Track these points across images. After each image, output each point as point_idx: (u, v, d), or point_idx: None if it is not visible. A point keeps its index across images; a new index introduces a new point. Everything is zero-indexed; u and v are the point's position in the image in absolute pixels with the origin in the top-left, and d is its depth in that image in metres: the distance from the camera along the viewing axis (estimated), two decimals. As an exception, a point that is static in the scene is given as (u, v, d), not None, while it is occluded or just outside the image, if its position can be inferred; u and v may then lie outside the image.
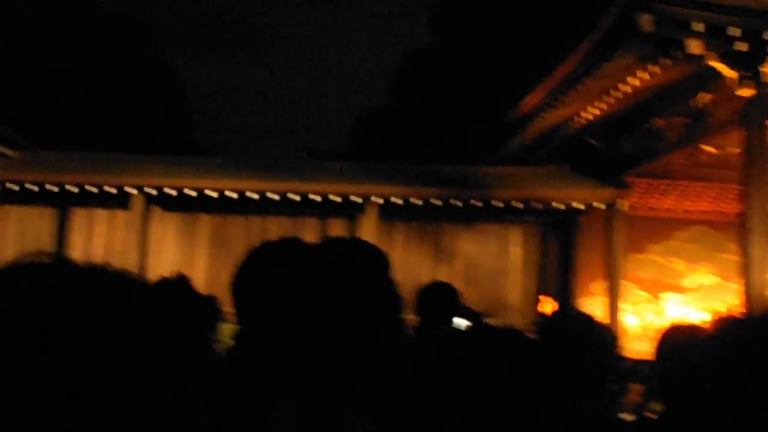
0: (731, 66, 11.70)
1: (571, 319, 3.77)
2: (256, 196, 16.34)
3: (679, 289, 18.50)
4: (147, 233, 17.13)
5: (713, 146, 15.82)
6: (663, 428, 3.37)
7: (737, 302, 14.94)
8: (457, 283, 17.81)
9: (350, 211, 17.11)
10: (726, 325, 1.81)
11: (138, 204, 16.59)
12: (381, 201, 16.47)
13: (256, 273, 2.56)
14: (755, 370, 1.55)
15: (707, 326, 3.58)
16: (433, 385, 2.04)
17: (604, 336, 3.58)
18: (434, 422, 1.98)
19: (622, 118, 15.82)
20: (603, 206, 16.89)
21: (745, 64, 11.58)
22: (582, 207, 17.03)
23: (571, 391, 3.23)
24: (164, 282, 4.16)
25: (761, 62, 11.41)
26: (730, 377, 1.58)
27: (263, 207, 16.98)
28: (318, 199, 16.45)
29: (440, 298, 4.98)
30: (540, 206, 16.96)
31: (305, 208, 17.03)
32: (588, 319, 3.66)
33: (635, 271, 18.11)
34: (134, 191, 16.40)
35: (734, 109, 12.45)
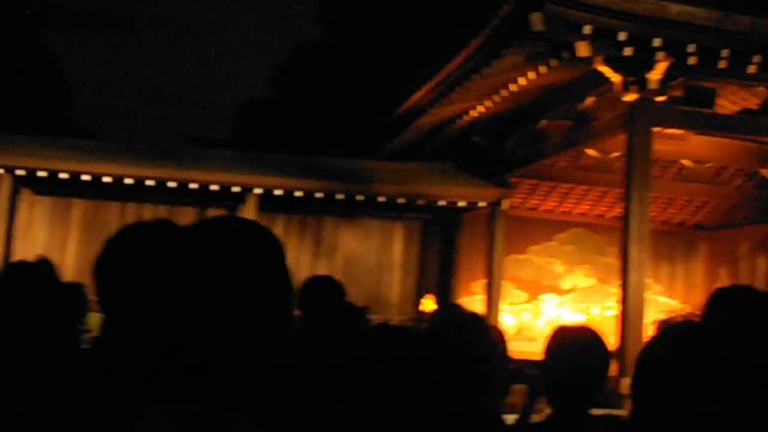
0: (617, 70, 11.81)
1: (461, 318, 3.61)
2: (132, 182, 15.75)
3: (557, 291, 18.71)
4: (15, 217, 16.36)
5: (596, 150, 16.02)
6: (552, 428, 3.26)
7: (614, 304, 15.15)
8: (337, 278, 17.63)
9: (230, 201, 16.70)
10: (668, 333, 1.72)
11: (5, 185, 15.79)
12: (261, 191, 16.11)
13: (121, 256, 2.29)
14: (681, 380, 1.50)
15: (595, 328, 3.46)
16: (322, 383, 1.88)
17: (493, 337, 3.44)
18: (321, 422, 1.82)
19: (508, 118, 15.85)
20: (486, 205, 16.92)
21: (631, 70, 11.69)
22: (465, 205, 17.04)
23: (460, 391, 3.08)
24: (22, 266, 3.79)
25: (647, 68, 11.52)
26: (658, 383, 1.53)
27: (140, 194, 16.42)
28: (197, 187, 15.97)
29: (325, 292, 4.72)
30: (423, 203, 16.88)
31: (183, 196, 16.55)
32: (478, 319, 3.53)
33: (515, 271, 18.23)
34: (1, 171, 15.61)
35: (618, 114, 12.56)
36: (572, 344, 3.26)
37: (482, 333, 3.35)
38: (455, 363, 3.11)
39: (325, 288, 4.80)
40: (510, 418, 5.19)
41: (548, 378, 3.33)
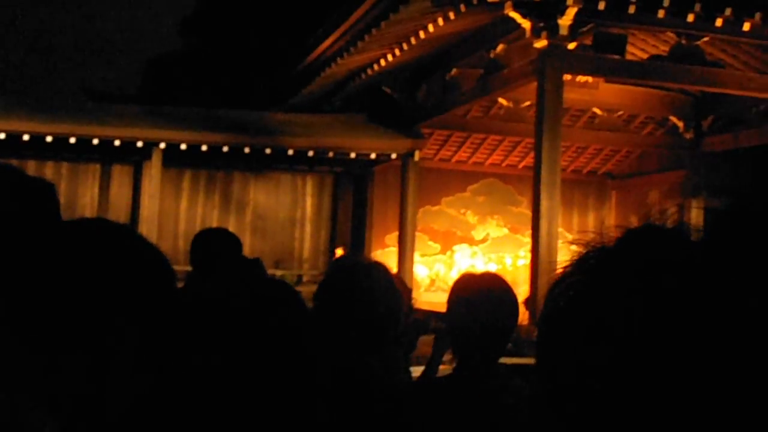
0: (527, 16, 11.60)
1: (358, 267, 3.35)
2: (28, 139, 15.08)
3: (470, 241, 18.68)
4: None
5: (508, 99, 15.89)
6: (457, 382, 3.06)
7: (526, 253, 15.14)
8: (247, 234, 17.37)
9: (135, 156, 16.21)
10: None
11: None
12: (166, 146, 15.59)
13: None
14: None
15: (500, 275, 3.25)
16: (184, 342, 1.69)
17: (395, 286, 3.19)
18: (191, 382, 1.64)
19: (418, 67, 15.61)
20: (398, 157, 16.68)
21: (542, 15, 11.49)
22: (377, 157, 16.78)
23: (354, 344, 2.89)
24: None
25: (557, 13, 11.34)
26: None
27: (39, 151, 15.77)
28: (99, 143, 15.37)
29: (214, 246, 4.41)
30: (334, 155, 16.57)
31: (86, 153, 15.99)
32: (376, 268, 3.26)
33: (428, 223, 18.14)
34: None
35: (529, 61, 12.40)
36: (475, 293, 3.04)
37: (379, 282, 3.10)
38: (345, 313, 2.91)
39: (217, 241, 4.48)
40: (417, 370, 5.01)
41: (452, 329, 3.13)
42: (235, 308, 1.84)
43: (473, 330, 2.95)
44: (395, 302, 3.07)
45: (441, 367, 4.25)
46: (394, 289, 3.11)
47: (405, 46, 13.76)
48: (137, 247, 1.59)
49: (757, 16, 11.01)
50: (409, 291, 5.06)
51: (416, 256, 17.02)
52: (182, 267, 5.06)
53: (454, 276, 17.35)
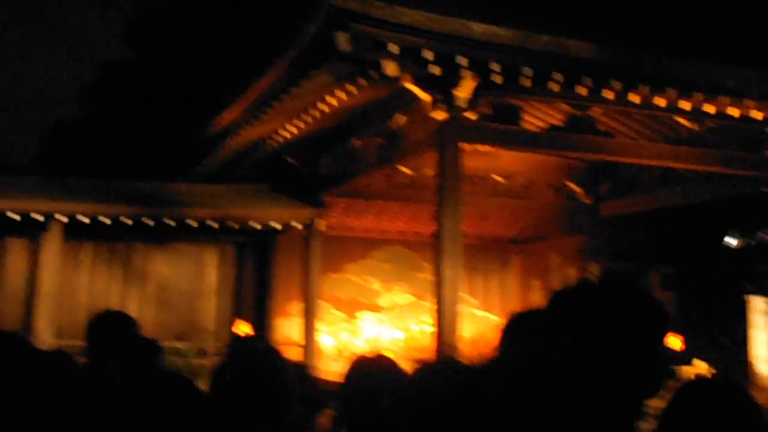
0: (425, 89, 11.84)
1: (255, 355, 3.44)
2: None
3: (375, 308, 18.71)
4: None
5: (409, 167, 16.10)
6: None
7: (430, 320, 15.25)
8: (150, 306, 17.11)
9: (32, 229, 15.89)
10: (421, 373, 1.70)
11: None
12: (66, 219, 15.35)
13: None
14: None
15: (390, 357, 3.39)
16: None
17: (288, 371, 3.28)
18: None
19: (320, 138, 15.74)
20: (301, 226, 16.73)
21: (439, 88, 11.75)
22: (279, 226, 16.80)
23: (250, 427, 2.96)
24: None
25: (454, 86, 11.60)
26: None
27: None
28: (-6, 216, 15.06)
29: (109, 328, 4.38)
30: (236, 225, 16.54)
31: (-20, 226, 15.63)
32: (272, 355, 3.36)
33: (332, 291, 18.12)
34: None
35: (429, 131, 12.61)
36: (365, 375, 3.17)
37: (270, 369, 3.20)
38: (241, 399, 3.00)
39: (113, 326, 4.45)
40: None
41: (345, 411, 3.26)
42: (130, 407, 1.89)
43: (364, 411, 3.06)
44: (287, 388, 3.14)
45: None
46: (286, 375, 3.18)
47: (307, 118, 13.88)
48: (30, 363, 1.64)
49: (644, 88, 11.46)
50: (304, 371, 5.09)
51: (320, 326, 16.97)
52: (83, 342, 4.99)
53: (360, 345, 17.37)
